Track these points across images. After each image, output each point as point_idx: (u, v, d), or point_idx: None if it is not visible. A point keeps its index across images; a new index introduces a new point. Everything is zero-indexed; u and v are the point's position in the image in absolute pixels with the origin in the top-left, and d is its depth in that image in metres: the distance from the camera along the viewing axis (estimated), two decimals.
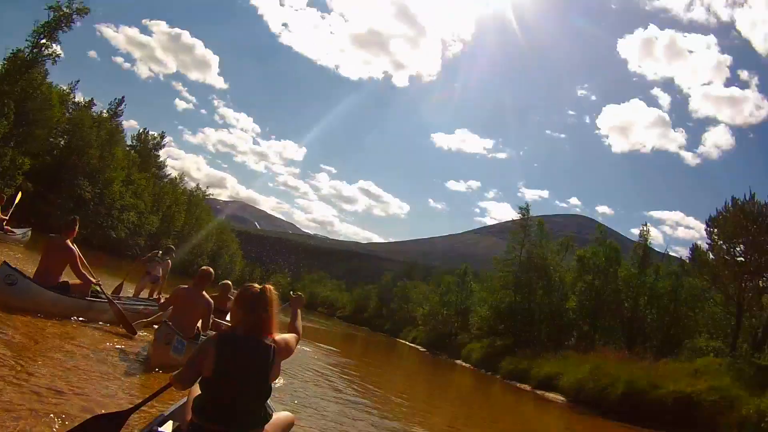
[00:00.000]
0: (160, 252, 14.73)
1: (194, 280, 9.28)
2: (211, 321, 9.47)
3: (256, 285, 4.08)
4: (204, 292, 9.15)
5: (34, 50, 41.24)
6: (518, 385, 31.67)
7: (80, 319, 9.56)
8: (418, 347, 60.88)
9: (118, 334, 9.69)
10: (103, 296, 10.24)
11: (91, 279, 9.80)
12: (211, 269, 9.67)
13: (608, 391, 23.09)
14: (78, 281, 9.53)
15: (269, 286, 4.06)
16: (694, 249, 32.50)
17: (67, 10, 41.51)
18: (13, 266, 8.62)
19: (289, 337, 4.14)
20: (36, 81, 42.82)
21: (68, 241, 9.48)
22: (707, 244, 30.87)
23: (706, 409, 19.36)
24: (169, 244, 15.50)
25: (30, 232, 22.58)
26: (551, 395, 27.11)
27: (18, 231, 21.45)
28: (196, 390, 3.90)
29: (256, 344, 3.80)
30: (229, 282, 12.53)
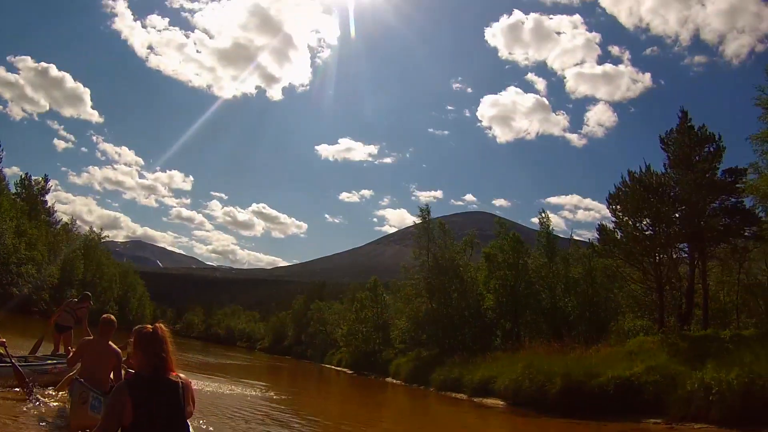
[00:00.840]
0: (75, 299, 14.28)
1: (99, 330, 8.82)
2: (124, 372, 8.84)
3: (149, 325, 4.05)
4: (110, 343, 8.68)
5: None
6: (453, 395, 30.87)
7: None
8: (345, 370, 59.30)
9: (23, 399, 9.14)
10: (7, 359, 9.68)
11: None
12: (112, 316, 9.15)
13: (546, 388, 22.39)
14: None
15: (160, 324, 4.06)
16: (601, 229, 32.59)
17: None
18: None
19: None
20: None
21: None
22: (612, 222, 31.14)
23: (650, 391, 19.11)
24: (82, 292, 14.29)
25: None
26: (490, 401, 26.42)
27: None
28: None
29: (166, 383, 3.83)
30: (112, 316, 11.54)
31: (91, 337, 9.08)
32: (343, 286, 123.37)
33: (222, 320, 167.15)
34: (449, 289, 44.47)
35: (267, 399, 19.73)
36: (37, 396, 9.11)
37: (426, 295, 45.87)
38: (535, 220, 44.62)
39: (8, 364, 9.56)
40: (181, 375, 3.99)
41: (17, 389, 9.56)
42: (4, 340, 9.73)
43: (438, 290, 44.73)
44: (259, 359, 69.86)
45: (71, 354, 9.80)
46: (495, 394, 26.37)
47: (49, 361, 11.63)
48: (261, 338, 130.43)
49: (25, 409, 8.19)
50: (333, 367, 66.14)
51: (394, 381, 42.65)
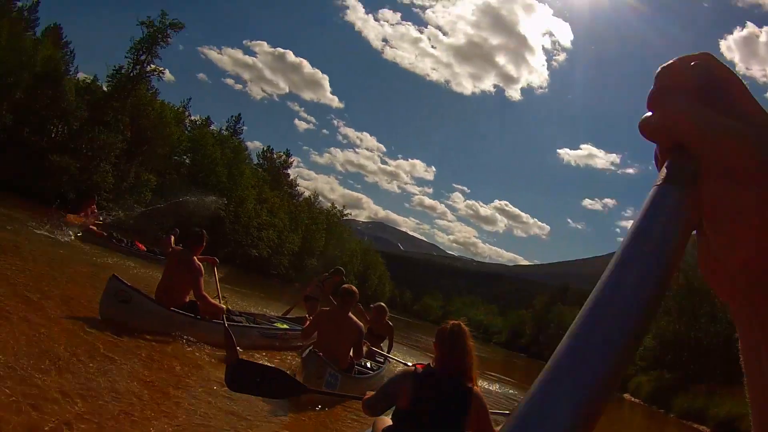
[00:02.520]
0: (326, 275, 14.03)
1: (338, 301, 8.09)
2: (365, 348, 8.41)
3: (450, 321, 3.98)
4: (351, 314, 7.83)
5: (136, 66, 42.21)
6: (696, 425, 28.87)
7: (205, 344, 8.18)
8: None
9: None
10: (235, 319, 9.32)
11: (218, 305, 8.55)
12: (354, 287, 8.13)
13: None
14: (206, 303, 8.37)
15: (460, 322, 3.94)
16: None
17: (160, 25, 42.25)
18: (125, 281, 7.51)
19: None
20: (145, 97, 44.01)
21: (195, 258, 8.39)
22: None
23: None
24: (334, 267, 14.42)
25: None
26: None
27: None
28: (383, 422, 3.86)
29: (449, 384, 3.67)
30: (383, 304, 11.28)
31: (329, 308, 8.47)
32: (585, 292, 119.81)
33: (461, 308, 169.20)
34: (698, 312, 41.11)
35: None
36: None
37: (674, 315, 42.70)
38: None
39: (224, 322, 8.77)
40: (477, 385, 3.83)
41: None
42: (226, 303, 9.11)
43: (687, 311, 41.45)
44: (495, 353, 69.07)
45: (307, 323, 9.08)
46: None
47: (281, 326, 11.07)
48: (497, 332, 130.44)
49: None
50: None
51: (633, 399, 40.33)
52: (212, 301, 8.39)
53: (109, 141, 37.16)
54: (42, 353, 4.95)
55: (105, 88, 41.76)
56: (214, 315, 8.38)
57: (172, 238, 9.19)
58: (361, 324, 7.95)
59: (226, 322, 8.12)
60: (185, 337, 7.85)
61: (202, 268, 8.36)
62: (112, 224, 21.12)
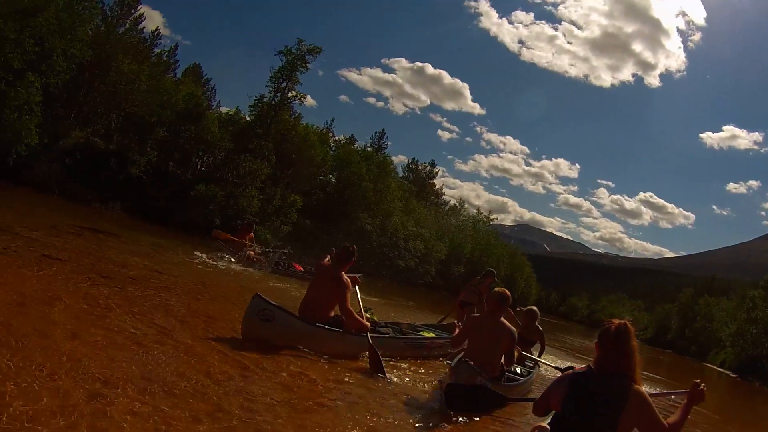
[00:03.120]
0: (479, 277, 13.74)
1: (489, 306, 7.81)
2: (516, 354, 8.29)
3: (615, 320, 3.90)
4: (503, 320, 7.43)
5: (277, 94, 43.46)
6: None
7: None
8: (728, 372, 55.05)
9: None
10: (380, 330, 9.20)
11: (363, 321, 8.17)
12: (506, 291, 7.79)
13: None
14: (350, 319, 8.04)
15: (625, 321, 3.86)
16: None
17: (298, 52, 43.18)
18: (269, 299, 7.37)
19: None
20: (288, 122, 45.63)
21: (343, 273, 8.17)
22: None
23: None
24: (485, 269, 14.63)
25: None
26: None
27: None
28: (541, 428, 3.79)
29: (610, 384, 3.61)
30: (535, 308, 11.27)
31: (479, 314, 8.29)
32: (732, 282, 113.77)
33: (606, 307, 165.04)
34: None
35: None
36: (390, 377, 7.54)
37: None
38: None
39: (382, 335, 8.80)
40: (643, 387, 3.71)
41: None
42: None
43: None
44: (641, 350, 66.72)
45: (457, 331, 8.75)
46: None
47: (427, 334, 10.72)
48: (644, 328, 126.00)
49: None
50: (715, 367, 61.48)
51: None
52: (357, 316, 8.17)
53: (254, 167, 38.76)
54: (177, 374, 5.11)
55: (247, 118, 43.91)
56: (360, 330, 8.12)
57: (328, 257, 9.11)
58: (513, 329, 7.46)
59: (370, 337, 8.00)
60: (329, 352, 7.67)
61: (350, 283, 8.22)
62: (268, 249, 21.63)
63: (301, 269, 20.17)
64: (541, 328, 10.95)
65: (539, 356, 10.42)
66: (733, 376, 51.67)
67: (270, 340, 7.18)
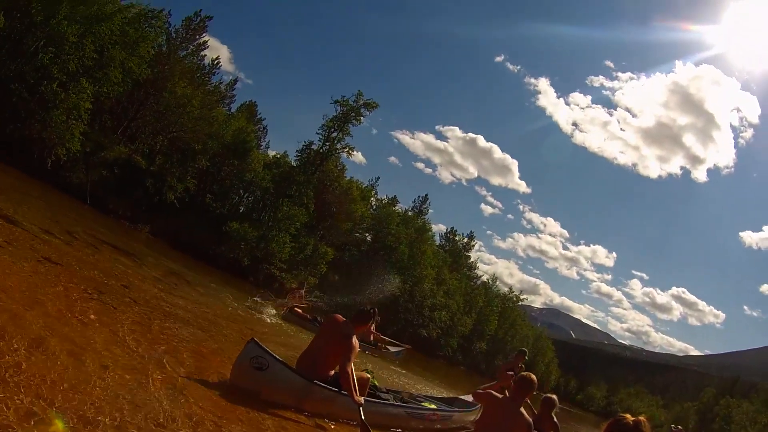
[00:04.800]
0: (510, 356, 13.61)
1: (513, 390, 6.90)
2: None
3: (629, 416, 3.73)
4: (523, 409, 6.63)
5: (326, 143, 42.92)
6: None
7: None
8: None
9: None
10: (381, 396, 8.81)
11: (358, 397, 7.18)
12: (533, 376, 6.96)
13: None
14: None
15: (643, 419, 3.69)
16: None
17: (354, 104, 42.58)
18: (266, 347, 6.87)
19: None
20: (332, 173, 45.03)
21: (355, 336, 7.44)
22: None
23: None
24: (522, 348, 13.72)
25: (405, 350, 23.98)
26: None
27: (393, 348, 22.26)
28: None
29: None
30: (554, 397, 9.86)
31: (501, 396, 7.35)
32: (756, 384, 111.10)
33: (624, 399, 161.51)
34: None
35: None
36: None
37: None
38: None
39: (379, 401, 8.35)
40: None
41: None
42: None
43: None
44: None
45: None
46: None
47: (429, 405, 10.23)
48: (660, 425, 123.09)
49: None
50: None
51: None
52: (354, 384, 7.19)
53: (291, 213, 38.21)
54: (133, 405, 4.56)
55: (293, 163, 43.31)
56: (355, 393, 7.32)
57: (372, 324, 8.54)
58: (530, 421, 6.64)
59: (363, 415, 7.07)
60: (323, 413, 7.17)
61: (358, 347, 7.45)
62: (316, 307, 21.63)
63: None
64: (556, 420, 9.88)
65: None
66: None
67: (260, 392, 6.60)
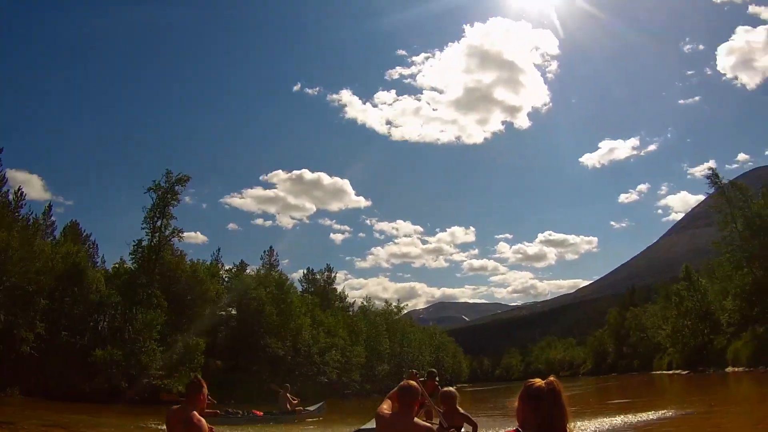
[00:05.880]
0: (422, 379, 12.26)
1: (399, 404, 6.15)
2: None
3: (538, 379, 3.62)
4: (416, 419, 5.89)
5: (155, 234, 42.09)
6: None
7: None
8: (678, 371, 55.47)
9: None
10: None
11: None
12: (413, 383, 6.15)
13: None
14: None
15: (552, 378, 3.59)
16: None
17: (167, 185, 42.32)
18: None
19: None
20: (172, 263, 44.16)
21: (194, 413, 6.27)
22: None
23: None
24: (428, 371, 13.54)
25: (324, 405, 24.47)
26: None
27: (312, 408, 23.13)
28: None
29: None
30: (452, 389, 9.57)
31: (389, 413, 7.79)
32: (651, 286, 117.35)
33: (539, 355, 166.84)
34: None
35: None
36: None
37: (746, 266, 41.70)
38: None
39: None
40: None
41: None
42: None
43: (760, 256, 40.45)
44: (587, 384, 65.43)
45: None
46: None
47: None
48: (582, 362, 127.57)
49: None
50: (663, 372, 62.26)
51: (735, 369, 38.52)
52: None
53: (147, 319, 36.93)
54: None
55: (132, 267, 41.96)
56: None
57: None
58: (428, 426, 5.92)
59: None
60: None
61: (205, 425, 6.28)
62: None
63: (261, 414, 20.35)
64: (463, 411, 9.53)
65: None
66: (685, 373, 51.95)
67: None
